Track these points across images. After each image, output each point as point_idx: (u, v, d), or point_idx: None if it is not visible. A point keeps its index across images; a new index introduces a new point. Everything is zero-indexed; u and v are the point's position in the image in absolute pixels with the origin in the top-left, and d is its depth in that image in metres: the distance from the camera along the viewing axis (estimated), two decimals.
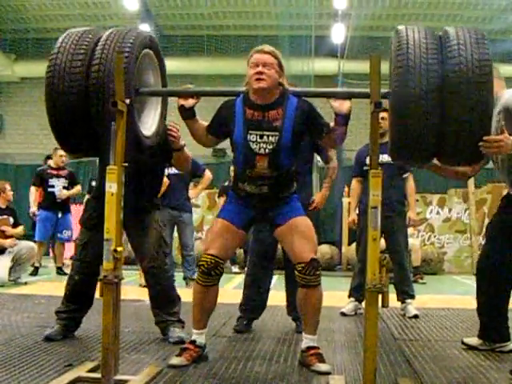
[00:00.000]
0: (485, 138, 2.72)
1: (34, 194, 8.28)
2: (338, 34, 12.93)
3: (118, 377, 2.78)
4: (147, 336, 3.85)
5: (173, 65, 13.94)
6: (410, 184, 5.18)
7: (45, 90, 3.02)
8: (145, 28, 13.22)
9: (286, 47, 12.34)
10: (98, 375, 2.74)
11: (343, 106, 3.03)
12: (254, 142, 3.16)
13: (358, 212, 5.28)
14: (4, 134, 14.91)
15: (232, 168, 3.53)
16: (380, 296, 2.55)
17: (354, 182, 5.33)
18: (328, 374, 3.03)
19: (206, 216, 10.81)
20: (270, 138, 3.15)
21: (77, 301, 3.78)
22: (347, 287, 5.21)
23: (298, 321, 4.11)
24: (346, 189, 11.02)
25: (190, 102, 3.15)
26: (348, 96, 3.10)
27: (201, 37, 14.37)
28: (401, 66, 2.64)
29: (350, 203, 10.43)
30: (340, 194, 11.21)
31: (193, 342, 3.25)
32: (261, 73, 3.13)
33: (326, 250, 10.51)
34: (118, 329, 2.86)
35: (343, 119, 3.08)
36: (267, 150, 3.15)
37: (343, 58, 13.15)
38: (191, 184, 7.26)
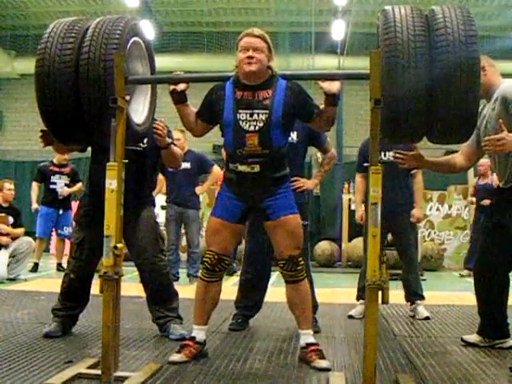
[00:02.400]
0: (486, 138, 2.72)
1: (35, 191, 8.28)
2: (338, 30, 12.90)
3: (118, 373, 2.79)
4: (147, 332, 3.86)
5: (172, 61, 14.01)
6: (418, 180, 4.97)
7: (35, 78, 3.02)
8: (145, 24, 13.21)
9: (286, 44, 12.33)
10: (98, 371, 2.75)
11: (332, 85, 3.03)
12: (243, 120, 3.17)
13: (364, 208, 5.17)
14: (4, 131, 14.88)
15: (224, 152, 3.51)
16: (380, 292, 2.56)
17: (358, 178, 5.15)
18: (328, 370, 3.03)
19: (206, 212, 10.82)
20: (260, 115, 3.16)
21: (73, 298, 3.78)
22: (347, 283, 5.20)
23: None
24: (346, 185, 11.04)
25: (180, 86, 3.17)
26: (346, 77, 3.10)
27: (200, 33, 14.33)
28: (388, 40, 2.69)
29: (349, 200, 10.54)
30: (340, 190, 11.22)
31: (192, 339, 3.25)
32: (251, 57, 3.14)
33: (325, 246, 10.52)
34: (118, 325, 2.86)
35: (333, 99, 3.09)
36: (257, 128, 3.15)
37: (343, 54, 13.13)
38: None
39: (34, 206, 8.27)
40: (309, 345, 3.22)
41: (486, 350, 3.54)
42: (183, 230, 7.14)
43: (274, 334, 4.01)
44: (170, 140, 3.70)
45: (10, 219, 7.19)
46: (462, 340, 3.74)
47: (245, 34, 3.24)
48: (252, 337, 3.92)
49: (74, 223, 4.19)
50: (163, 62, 13.96)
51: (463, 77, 2.64)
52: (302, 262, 3.24)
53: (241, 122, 3.18)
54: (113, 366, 2.74)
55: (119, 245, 2.72)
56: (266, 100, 3.18)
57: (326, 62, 13.47)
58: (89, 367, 2.89)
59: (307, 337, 3.26)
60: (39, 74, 2.99)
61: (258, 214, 3.35)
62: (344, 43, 12.99)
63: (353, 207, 9.84)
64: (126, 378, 2.75)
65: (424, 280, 8.17)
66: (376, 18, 2.83)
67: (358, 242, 9.65)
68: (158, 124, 3.59)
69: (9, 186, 7.34)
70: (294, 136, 4.06)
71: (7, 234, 7.07)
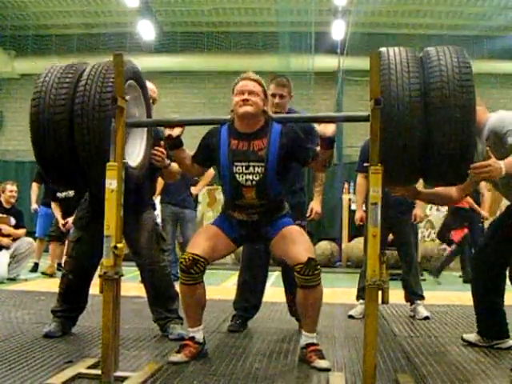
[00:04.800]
0: (472, 165, 2.72)
1: (35, 191, 8.29)
2: (338, 30, 12.91)
3: (118, 373, 2.78)
4: (147, 333, 3.86)
5: (172, 61, 14.04)
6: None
7: (30, 126, 3.05)
8: (145, 24, 13.22)
9: (286, 44, 12.34)
10: (98, 371, 2.74)
11: (327, 128, 3.00)
12: (239, 173, 3.19)
13: (364, 209, 5.18)
14: (4, 131, 14.89)
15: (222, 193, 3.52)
16: (380, 292, 2.56)
17: (360, 178, 5.12)
18: (328, 370, 3.03)
19: (206, 213, 10.82)
20: (256, 168, 3.18)
21: (71, 300, 3.78)
22: (347, 283, 5.21)
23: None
24: (346, 185, 11.04)
25: (176, 132, 3.16)
26: (344, 120, 3.10)
27: (201, 33, 14.34)
28: (383, 85, 2.65)
29: (349, 200, 10.55)
30: (340, 190, 11.22)
31: (192, 339, 3.25)
32: (247, 100, 3.16)
33: (325, 246, 10.53)
34: (118, 325, 2.86)
35: (328, 143, 3.07)
36: (254, 182, 3.18)
37: (343, 54, 13.13)
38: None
39: (34, 206, 8.30)
40: (309, 345, 3.22)
41: (486, 350, 3.54)
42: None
43: (274, 334, 4.01)
44: (168, 161, 3.67)
45: (12, 220, 7.20)
46: (462, 339, 3.75)
47: (240, 78, 3.27)
48: (252, 337, 3.92)
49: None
50: (163, 62, 14.00)
51: (458, 119, 2.63)
52: (319, 267, 3.17)
53: (237, 176, 3.19)
54: (113, 366, 2.74)
55: (119, 245, 2.72)
56: (262, 151, 3.19)
57: (325, 62, 13.49)
58: (89, 367, 2.89)
59: (308, 338, 3.25)
60: (34, 121, 3.02)
61: (259, 240, 3.41)
62: (344, 43, 12.99)
63: (353, 207, 9.85)
64: (125, 378, 2.75)
65: (424, 280, 8.20)
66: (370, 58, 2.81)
67: (358, 242, 9.66)
68: (157, 151, 3.55)
69: (11, 187, 7.36)
70: None
71: (8, 235, 7.08)
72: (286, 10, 12.44)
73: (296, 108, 4.41)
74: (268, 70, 11.11)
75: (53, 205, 7.78)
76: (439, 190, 3.52)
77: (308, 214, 4.31)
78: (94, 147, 2.94)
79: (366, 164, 2.63)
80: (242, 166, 3.18)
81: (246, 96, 3.16)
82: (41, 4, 13.63)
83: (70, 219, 7.55)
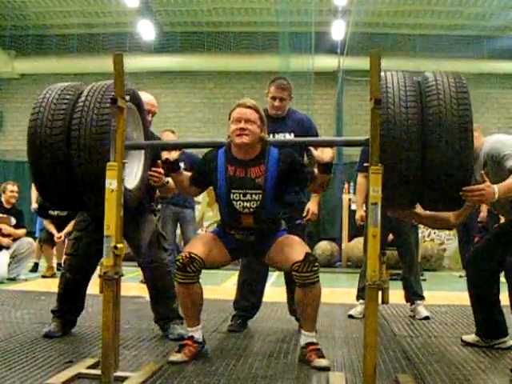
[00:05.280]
0: (465, 188, 2.73)
1: (35, 191, 8.30)
2: (338, 30, 12.90)
3: (118, 373, 2.78)
4: (147, 332, 3.86)
5: (172, 61, 14.03)
6: None
7: (27, 148, 3.05)
8: (145, 24, 13.21)
9: (286, 44, 12.33)
10: (97, 371, 2.75)
11: (325, 154, 3.00)
12: (237, 200, 3.21)
13: (365, 209, 5.17)
14: (4, 131, 14.88)
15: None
16: (380, 292, 2.56)
17: (360, 178, 5.08)
18: (328, 369, 3.03)
19: (206, 213, 10.83)
20: (254, 196, 3.20)
21: (69, 301, 3.77)
22: (347, 283, 5.21)
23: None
24: (346, 185, 11.04)
25: (173, 156, 3.16)
26: (343, 144, 3.09)
27: (200, 33, 14.33)
28: (381, 112, 2.65)
29: (349, 200, 10.54)
30: (340, 190, 11.22)
31: (191, 338, 3.26)
32: (243, 129, 3.15)
33: (325, 246, 10.53)
34: (118, 325, 2.86)
35: (325, 168, 3.07)
36: (251, 209, 3.21)
37: (343, 54, 13.13)
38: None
39: (34, 205, 8.32)
40: (308, 344, 3.22)
41: (486, 350, 3.54)
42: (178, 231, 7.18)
43: (274, 334, 4.01)
44: (165, 180, 3.65)
45: (13, 220, 7.22)
46: (462, 340, 3.75)
47: (237, 104, 3.26)
48: (252, 337, 3.92)
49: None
50: (163, 62, 14.00)
51: (456, 144, 2.63)
52: (317, 264, 3.18)
53: (234, 203, 3.21)
54: (113, 366, 2.74)
55: (119, 245, 2.72)
56: (259, 178, 3.20)
57: (325, 62, 13.48)
58: (89, 367, 2.89)
59: (308, 337, 3.25)
60: (32, 143, 3.01)
61: (255, 255, 3.45)
62: (344, 43, 12.98)
63: (353, 207, 9.85)
64: (125, 378, 2.75)
65: (424, 280, 8.20)
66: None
67: (358, 242, 9.66)
68: (154, 171, 3.52)
69: (12, 187, 7.37)
70: (291, 138, 4.09)
71: (8, 235, 7.09)
72: (285, 10, 12.43)
73: (295, 108, 4.41)
74: (268, 70, 11.18)
75: (45, 222, 7.76)
76: (438, 213, 3.52)
77: (304, 214, 4.30)
78: (90, 166, 2.92)
79: (366, 164, 2.64)
80: (240, 194, 3.20)
81: (242, 125, 3.16)
82: (41, 4, 13.62)
83: (65, 230, 7.61)
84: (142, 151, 3.43)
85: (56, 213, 7.63)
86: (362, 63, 10.67)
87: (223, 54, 14.03)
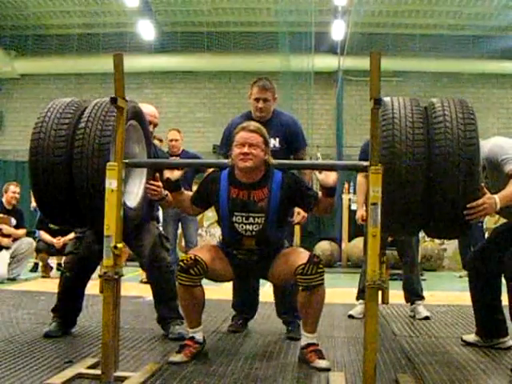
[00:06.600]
0: (469, 205, 2.71)
1: None
2: (338, 30, 12.90)
3: (118, 373, 2.78)
4: (147, 333, 3.86)
5: (173, 61, 14.04)
6: None
7: (29, 165, 3.03)
8: (145, 24, 13.21)
9: (285, 44, 12.33)
10: (97, 371, 2.74)
11: (329, 178, 3.01)
12: (239, 223, 3.20)
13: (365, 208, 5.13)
14: (4, 131, 14.89)
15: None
16: (380, 292, 2.56)
17: (360, 177, 4.98)
18: (328, 370, 3.03)
19: (206, 213, 10.79)
20: (256, 219, 3.18)
21: (69, 300, 3.78)
22: (347, 283, 5.20)
23: (289, 325, 3.98)
24: (346, 185, 11.03)
25: (175, 175, 3.16)
26: (343, 168, 3.09)
27: (201, 33, 14.34)
28: (386, 140, 2.65)
29: (349, 200, 10.54)
30: (340, 190, 11.21)
31: (192, 338, 3.26)
32: (247, 153, 3.13)
33: (326, 246, 10.52)
34: (118, 325, 2.86)
35: (329, 191, 3.08)
36: (254, 232, 3.19)
37: (343, 54, 13.13)
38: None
39: (34, 204, 8.31)
40: (309, 345, 3.21)
41: (486, 350, 3.54)
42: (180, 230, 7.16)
43: (274, 334, 4.00)
44: (164, 193, 3.64)
45: (13, 221, 7.22)
46: (462, 340, 3.74)
47: (241, 128, 3.22)
48: (252, 337, 3.91)
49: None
50: (163, 62, 14.01)
51: (462, 171, 2.62)
52: (322, 266, 3.16)
53: (236, 225, 3.20)
54: (113, 366, 2.74)
55: (119, 245, 2.72)
56: (262, 202, 3.18)
57: (325, 62, 13.49)
58: (89, 367, 2.89)
59: (308, 338, 3.25)
60: (33, 162, 2.99)
61: (257, 274, 3.44)
62: (344, 43, 12.99)
63: (353, 207, 9.84)
64: (125, 378, 2.74)
65: (424, 280, 8.20)
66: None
67: (358, 242, 9.64)
68: (152, 185, 3.43)
69: (14, 188, 7.38)
70: (276, 143, 3.99)
71: (9, 235, 7.09)
72: (285, 10, 12.43)
73: (281, 109, 4.32)
74: (268, 70, 11.16)
75: (41, 232, 7.71)
76: None
77: (293, 218, 4.03)
78: (93, 191, 2.89)
79: (365, 163, 2.64)
80: (242, 217, 3.19)
81: (246, 149, 3.13)
82: (41, 4, 13.63)
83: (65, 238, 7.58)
84: (144, 170, 3.40)
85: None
86: (362, 63, 10.67)
87: (223, 54, 14.04)
